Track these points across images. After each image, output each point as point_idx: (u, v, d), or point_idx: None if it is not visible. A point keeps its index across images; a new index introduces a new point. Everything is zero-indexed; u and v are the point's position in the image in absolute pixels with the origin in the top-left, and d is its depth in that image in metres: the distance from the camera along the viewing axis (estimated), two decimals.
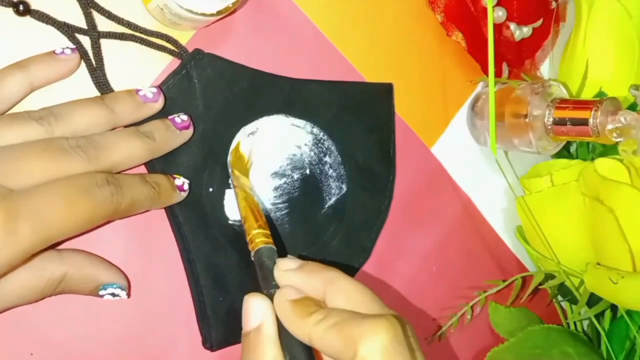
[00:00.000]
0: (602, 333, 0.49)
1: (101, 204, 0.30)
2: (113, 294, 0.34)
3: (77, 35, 0.35)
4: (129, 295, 0.35)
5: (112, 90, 0.35)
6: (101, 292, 0.33)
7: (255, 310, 0.31)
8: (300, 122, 0.41)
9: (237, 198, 0.37)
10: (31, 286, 0.31)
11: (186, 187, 0.36)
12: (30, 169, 0.29)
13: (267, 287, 0.32)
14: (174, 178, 0.36)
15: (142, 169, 0.36)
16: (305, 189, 0.41)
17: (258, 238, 0.34)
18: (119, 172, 0.33)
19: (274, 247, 0.34)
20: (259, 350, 0.30)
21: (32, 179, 0.29)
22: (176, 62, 0.37)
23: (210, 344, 0.37)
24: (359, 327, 0.27)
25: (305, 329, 0.29)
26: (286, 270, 0.32)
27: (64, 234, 0.29)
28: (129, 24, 0.36)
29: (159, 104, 0.35)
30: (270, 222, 0.40)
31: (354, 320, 0.28)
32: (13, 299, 0.31)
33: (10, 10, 0.33)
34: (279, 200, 0.40)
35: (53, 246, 0.32)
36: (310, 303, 0.30)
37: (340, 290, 0.30)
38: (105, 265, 0.34)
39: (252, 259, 0.34)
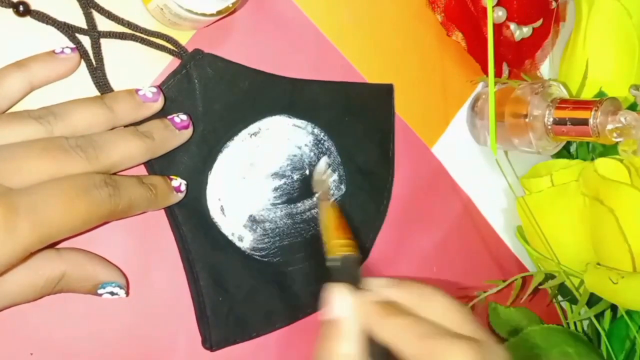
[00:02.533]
0: (602, 333, 0.49)
1: (99, 204, 0.30)
2: (112, 293, 0.34)
3: (77, 35, 0.35)
4: (127, 293, 0.35)
5: (112, 90, 0.35)
6: (100, 291, 0.33)
7: (338, 302, 0.31)
8: (302, 123, 0.41)
9: (327, 210, 0.37)
10: (30, 284, 0.31)
11: (183, 188, 0.36)
12: (30, 168, 0.29)
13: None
14: (171, 179, 0.36)
15: (142, 169, 0.36)
16: (304, 190, 0.41)
17: (346, 246, 0.34)
18: (118, 172, 0.33)
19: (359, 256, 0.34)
20: (334, 342, 0.30)
21: (31, 178, 0.29)
22: (176, 62, 0.37)
23: (210, 343, 0.38)
24: (445, 344, 0.27)
25: (387, 329, 0.29)
26: (380, 283, 0.32)
27: (62, 233, 0.29)
28: (129, 24, 0.36)
29: (158, 104, 0.35)
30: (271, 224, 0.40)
31: (441, 337, 0.28)
32: (12, 297, 0.31)
33: (10, 10, 0.33)
34: (279, 201, 0.40)
35: (52, 245, 0.32)
36: (396, 307, 0.30)
37: (435, 304, 0.30)
38: (104, 264, 0.34)
39: (334, 263, 0.33)
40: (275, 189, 0.40)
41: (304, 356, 0.42)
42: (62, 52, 0.34)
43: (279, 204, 0.40)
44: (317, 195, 0.41)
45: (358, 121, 0.43)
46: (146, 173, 0.36)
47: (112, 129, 0.33)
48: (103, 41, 0.36)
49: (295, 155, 0.41)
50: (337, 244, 0.34)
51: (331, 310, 0.31)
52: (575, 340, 0.49)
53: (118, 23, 0.36)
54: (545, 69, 0.53)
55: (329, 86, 0.42)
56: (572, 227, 0.47)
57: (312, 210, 0.41)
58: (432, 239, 0.48)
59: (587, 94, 0.49)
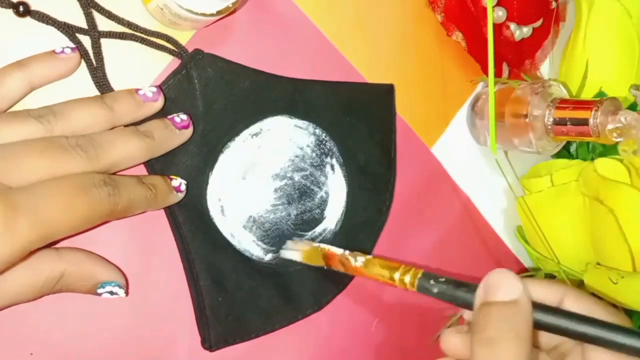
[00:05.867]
0: None
1: (98, 204, 0.30)
2: (111, 292, 0.34)
3: (77, 35, 0.35)
4: (127, 293, 0.35)
5: (112, 90, 0.35)
6: (99, 291, 0.33)
7: (513, 285, 0.29)
8: (303, 124, 0.41)
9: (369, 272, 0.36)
10: (29, 284, 0.31)
11: (183, 187, 0.36)
12: (30, 167, 0.29)
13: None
14: (171, 179, 0.36)
15: (142, 169, 0.36)
16: (305, 190, 0.41)
17: (408, 273, 0.33)
18: (118, 171, 0.33)
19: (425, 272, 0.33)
20: (516, 322, 0.28)
21: (31, 177, 0.29)
22: (176, 62, 0.37)
23: (209, 343, 0.38)
24: None
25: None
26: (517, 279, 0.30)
27: (61, 232, 0.29)
28: (129, 24, 0.36)
29: (158, 103, 0.35)
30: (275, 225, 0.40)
31: None
32: (11, 297, 0.31)
33: (10, 10, 0.33)
34: (279, 202, 0.40)
35: (51, 245, 0.32)
36: None
37: (577, 299, 0.30)
38: (103, 264, 0.34)
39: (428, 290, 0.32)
40: (276, 190, 0.40)
41: (303, 357, 0.42)
42: (63, 51, 0.34)
43: (279, 205, 0.40)
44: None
45: (359, 121, 0.43)
46: (146, 173, 0.36)
47: (112, 128, 0.33)
48: (103, 41, 0.36)
49: (297, 156, 0.41)
50: (404, 273, 0.33)
51: (501, 291, 0.29)
52: None
53: (118, 23, 0.36)
54: (545, 69, 0.53)
55: (330, 86, 0.42)
56: (572, 227, 0.47)
57: (313, 211, 0.41)
58: (432, 239, 0.48)
59: (587, 94, 0.49)
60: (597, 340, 0.28)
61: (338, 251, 0.37)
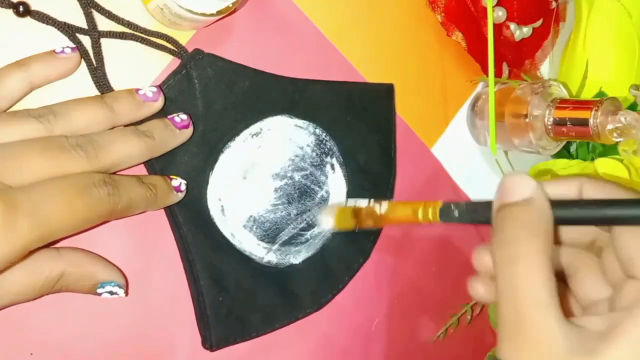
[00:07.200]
0: None
1: (98, 204, 0.30)
2: (111, 292, 0.34)
3: (77, 35, 0.35)
4: (126, 293, 0.35)
5: (112, 90, 0.35)
6: (99, 291, 0.33)
7: (525, 185, 0.28)
8: (303, 123, 0.41)
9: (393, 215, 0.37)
10: (29, 284, 0.31)
11: (183, 187, 0.36)
12: (30, 167, 0.29)
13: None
14: (171, 179, 0.36)
15: (142, 169, 0.36)
16: (305, 190, 0.41)
17: (429, 206, 0.33)
18: (118, 171, 0.33)
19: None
20: (530, 221, 0.27)
21: (31, 177, 0.29)
22: (176, 62, 0.37)
23: (210, 343, 0.38)
24: None
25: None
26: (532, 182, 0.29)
27: (61, 232, 0.29)
28: (129, 24, 0.36)
29: (158, 103, 0.35)
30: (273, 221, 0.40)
31: None
32: (11, 296, 0.31)
33: (10, 11, 0.33)
34: (279, 202, 0.40)
35: (51, 244, 0.32)
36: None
37: (596, 188, 0.29)
38: (103, 264, 0.34)
39: (450, 215, 0.32)
40: (277, 190, 0.40)
41: (303, 356, 0.42)
42: (63, 51, 0.34)
43: (279, 204, 0.40)
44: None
45: (359, 121, 0.43)
46: (146, 173, 0.36)
47: (112, 128, 0.33)
48: (103, 41, 0.36)
49: (297, 156, 0.41)
50: (427, 207, 0.34)
51: (513, 192, 0.28)
52: None
53: (118, 23, 0.36)
54: (545, 69, 0.53)
55: (330, 86, 0.42)
56: None
57: (313, 211, 0.41)
58: (432, 239, 0.48)
59: (587, 94, 0.49)
60: (620, 220, 0.27)
61: (364, 203, 0.38)
